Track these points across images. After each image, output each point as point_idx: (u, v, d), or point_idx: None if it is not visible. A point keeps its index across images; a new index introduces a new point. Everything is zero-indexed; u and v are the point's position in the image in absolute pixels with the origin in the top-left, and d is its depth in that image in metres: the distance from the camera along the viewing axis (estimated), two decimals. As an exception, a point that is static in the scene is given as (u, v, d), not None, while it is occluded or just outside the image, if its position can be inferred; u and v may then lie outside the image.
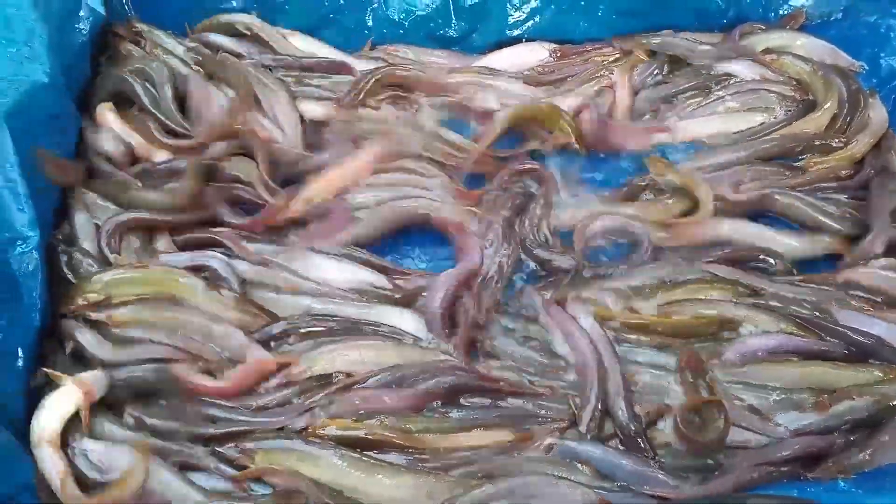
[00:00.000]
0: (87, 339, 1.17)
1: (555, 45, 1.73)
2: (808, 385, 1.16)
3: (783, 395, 1.15)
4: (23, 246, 1.15)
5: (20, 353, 1.11)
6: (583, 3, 1.72)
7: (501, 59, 1.72)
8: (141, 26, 1.64)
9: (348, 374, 1.17)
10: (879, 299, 1.27)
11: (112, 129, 1.45)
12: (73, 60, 1.44)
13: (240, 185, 1.41)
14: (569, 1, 1.72)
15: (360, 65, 1.63)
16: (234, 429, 1.10)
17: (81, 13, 1.49)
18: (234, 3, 1.70)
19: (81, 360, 1.16)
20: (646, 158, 1.48)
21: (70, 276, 1.24)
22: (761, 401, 1.14)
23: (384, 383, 1.15)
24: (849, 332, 1.20)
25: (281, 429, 1.10)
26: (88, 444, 1.06)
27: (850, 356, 1.19)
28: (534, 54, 1.73)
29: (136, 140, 1.45)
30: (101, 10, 1.54)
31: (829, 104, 1.57)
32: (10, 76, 1.25)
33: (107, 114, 1.46)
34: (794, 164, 1.51)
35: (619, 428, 1.10)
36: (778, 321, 1.22)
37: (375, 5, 1.72)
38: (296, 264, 1.32)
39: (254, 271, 1.30)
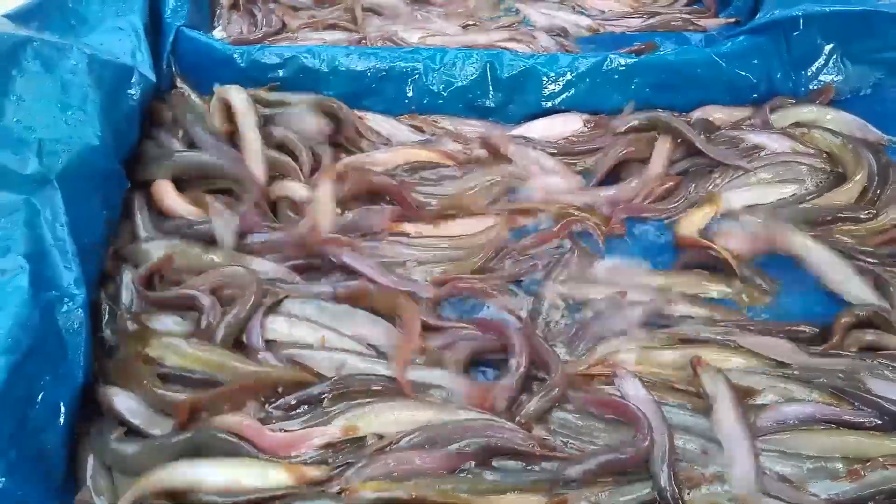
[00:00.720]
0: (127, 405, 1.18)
1: (588, 116, 1.77)
2: (841, 454, 1.13)
3: (817, 464, 1.12)
4: (69, 304, 1.16)
5: (62, 410, 1.11)
6: (616, 77, 1.76)
7: (536, 129, 1.75)
8: (187, 92, 1.70)
9: (380, 436, 1.16)
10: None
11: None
12: (122, 124, 1.49)
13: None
14: (602, 74, 1.76)
15: (401, 132, 1.70)
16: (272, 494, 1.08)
17: (133, 79, 1.54)
18: (281, 73, 1.75)
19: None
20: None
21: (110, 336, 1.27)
22: (795, 469, 1.12)
23: (417, 444, 1.14)
24: (882, 402, 1.19)
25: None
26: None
27: (884, 426, 1.17)
28: (568, 125, 1.76)
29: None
30: (152, 76, 1.60)
31: (858, 177, 1.59)
32: (64, 138, 1.30)
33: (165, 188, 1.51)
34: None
35: (658, 491, 1.08)
36: (810, 390, 1.22)
37: (416, 76, 1.77)
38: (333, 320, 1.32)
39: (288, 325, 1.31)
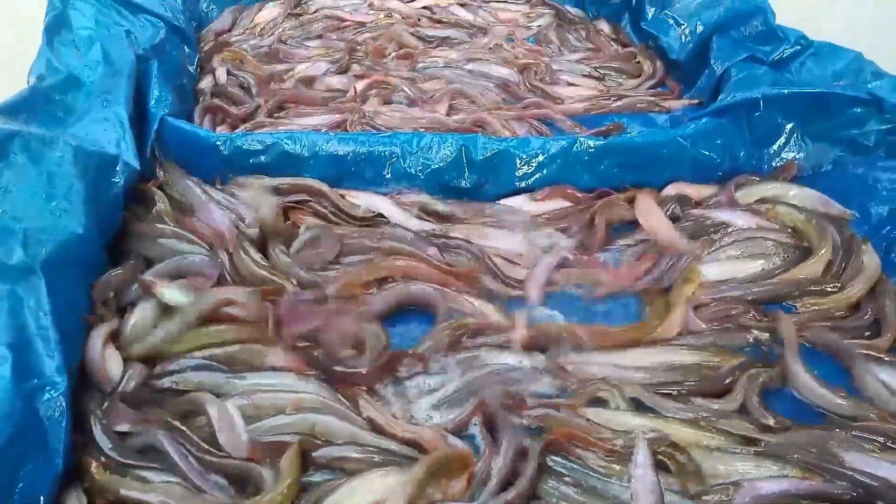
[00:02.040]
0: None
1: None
2: (820, 530, 1.14)
3: (797, 541, 1.13)
4: (51, 392, 1.17)
5: (41, 500, 1.11)
6: (586, 158, 1.82)
7: (513, 204, 1.81)
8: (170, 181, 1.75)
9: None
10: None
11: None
12: (106, 212, 1.52)
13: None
14: (573, 156, 1.82)
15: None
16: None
17: (117, 167, 1.58)
18: (263, 158, 1.79)
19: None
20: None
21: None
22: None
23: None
24: (856, 475, 1.20)
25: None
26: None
27: (857, 499, 1.18)
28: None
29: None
30: (136, 164, 1.63)
31: (823, 251, 1.63)
32: (49, 228, 1.33)
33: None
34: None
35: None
36: (783, 465, 1.23)
37: (394, 159, 1.81)
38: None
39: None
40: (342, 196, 1.79)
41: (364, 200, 1.78)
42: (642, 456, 1.20)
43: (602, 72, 2.55)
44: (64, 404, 1.18)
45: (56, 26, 1.80)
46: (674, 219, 1.76)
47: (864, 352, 1.43)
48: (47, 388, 1.17)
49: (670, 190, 1.85)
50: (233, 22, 2.80)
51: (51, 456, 1.15)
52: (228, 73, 2.35)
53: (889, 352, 1.44)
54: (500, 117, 2.14)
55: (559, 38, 2.80)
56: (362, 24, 2.81)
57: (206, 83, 2.31)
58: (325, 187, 1.77)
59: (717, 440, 1.27)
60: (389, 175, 1.82)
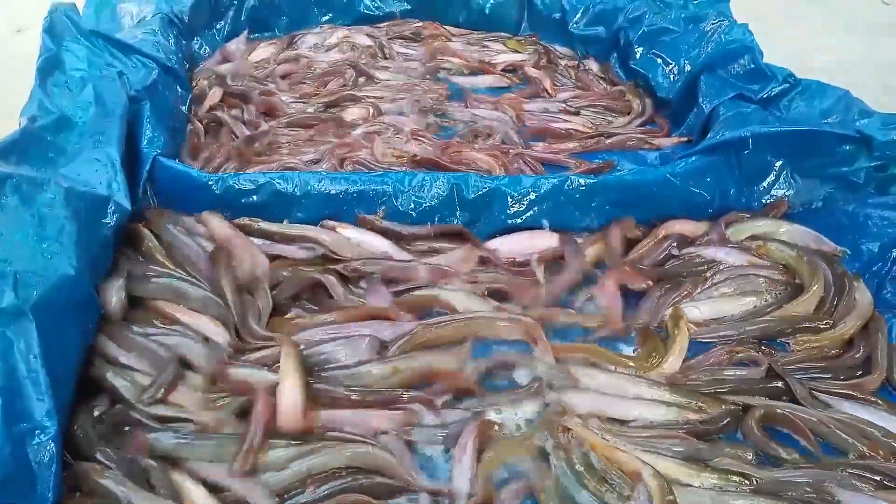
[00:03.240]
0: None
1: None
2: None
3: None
4: (41, 436, 1.15)
5: (30, 545, 1.10)
6: (577, 196, 1.84)
7: (507, 244, 1.81)
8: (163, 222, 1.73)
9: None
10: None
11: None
12: (97, 252, 1.51)
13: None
14: (564, 193, 1.83)
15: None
16: None
17: (109, 208, 1.58)
18: (255, 198, 1.80)
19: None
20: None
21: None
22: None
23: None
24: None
25: None
26: None
27: None
28: (535, 239, 1.82)
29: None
30: (127, 204, 1.63)
31: (815, 287, 1.64)
32: (40, 270, 1.31)
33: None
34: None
35: None
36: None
37: (386, 198, 1.82)
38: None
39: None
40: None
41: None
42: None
43: (591, 110, 2.57)
44: (54, 449, 1.16)
45: (49, 67, 1.81)
46: (669, 258, 1.78)
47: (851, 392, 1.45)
48: (37, 432, 1.16)
49: (668, 229, 1.85)
50: (223, 59, 2.81)
51: (39, 501, 1.13)
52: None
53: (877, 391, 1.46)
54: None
55: (549, 77, 2.83)
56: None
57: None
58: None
59: (712, 479, 1.27)
60: (382, 214, 1.82)
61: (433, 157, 2.11)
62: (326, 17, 3.19)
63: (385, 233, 1.79)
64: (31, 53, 1.89)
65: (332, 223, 1.80)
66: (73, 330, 1.37)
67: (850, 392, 1.45)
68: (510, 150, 2.21)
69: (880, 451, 1.33)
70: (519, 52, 3.01)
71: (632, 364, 1.49)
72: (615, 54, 2.87)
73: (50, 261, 1.35)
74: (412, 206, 1.82)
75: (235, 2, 2.99)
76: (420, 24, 3.18)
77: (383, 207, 1.82)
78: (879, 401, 1.43)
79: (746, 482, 1.26)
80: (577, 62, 2.96)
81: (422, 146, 2.20)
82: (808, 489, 1.24)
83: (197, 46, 2.80)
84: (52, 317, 1.28)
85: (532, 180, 1.85)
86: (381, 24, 3.18)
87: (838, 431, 1.36)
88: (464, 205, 1.83)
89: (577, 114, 2.52)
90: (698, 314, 1.62)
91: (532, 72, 2.80)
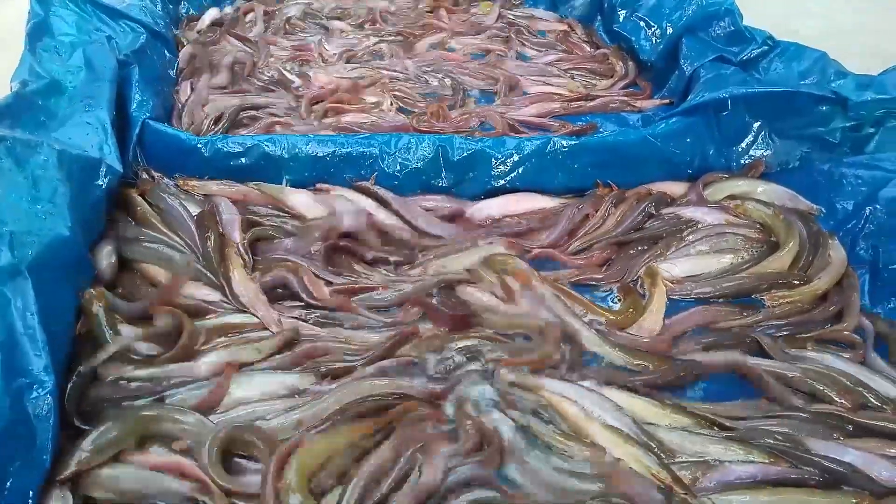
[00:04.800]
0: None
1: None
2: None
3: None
4: (39, 390, 1.19)
5: (30, 496, 1.13)
6: (560, 157, 1.87)
7: (494, 206, 1.85)
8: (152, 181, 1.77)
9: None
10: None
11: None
12: (90, 214, 1.55)
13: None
14: (547, 155, 1.87)
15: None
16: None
17: (101, 171, 1.60)
18: (244, 161, 1.82)
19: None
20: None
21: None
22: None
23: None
24: (822, 461, 1.24)
25: None
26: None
27: (825, 483, 1.22)
28: (522, 203, 1.86)
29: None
30: (119, 167, 1.66)
31: (790, 245, 1.69)
32: (35, 230, 1.34)
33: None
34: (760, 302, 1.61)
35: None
36: (750, 450, 1.26)
37: (372, 160, 1.85)
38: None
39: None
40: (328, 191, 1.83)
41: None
42: None
43: (575, 73, 2.60)
44: (52, 402, 1.20)
45: (38, 32, 1.83)
46: (648, 217, 1.81)
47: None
48: (35, 386, 1.19)
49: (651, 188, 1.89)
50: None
51: (39, 453, 1.17)
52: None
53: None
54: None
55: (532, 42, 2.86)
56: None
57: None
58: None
59: (686, 420, 1.31)
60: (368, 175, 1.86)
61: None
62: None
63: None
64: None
65: (326, 186, 1.84)
66: (68, 289, 1.40)
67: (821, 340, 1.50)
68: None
69: (849, 398, 1.37)
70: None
71: (611, 316, 1.53)
72: (599, 18, 2.90)
73: (44, 221, 1.38)
74: (398, 168, 1.85)
75: (220, -34, 3.00)
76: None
77: (374, 174, 1.84)
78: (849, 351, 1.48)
79: (722, 430, 1.30)
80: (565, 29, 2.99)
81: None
82: (779, 437, 1.28)
83: (183, 11, 2.81)
84: (48, 276, 1.31)
85: (516, 142, 1.89)
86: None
87: (809, 380, 1.40)
88: (449, 166, 1.86)
89: (560, 77, 2.55)
90: (676, 272, 1.66)
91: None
